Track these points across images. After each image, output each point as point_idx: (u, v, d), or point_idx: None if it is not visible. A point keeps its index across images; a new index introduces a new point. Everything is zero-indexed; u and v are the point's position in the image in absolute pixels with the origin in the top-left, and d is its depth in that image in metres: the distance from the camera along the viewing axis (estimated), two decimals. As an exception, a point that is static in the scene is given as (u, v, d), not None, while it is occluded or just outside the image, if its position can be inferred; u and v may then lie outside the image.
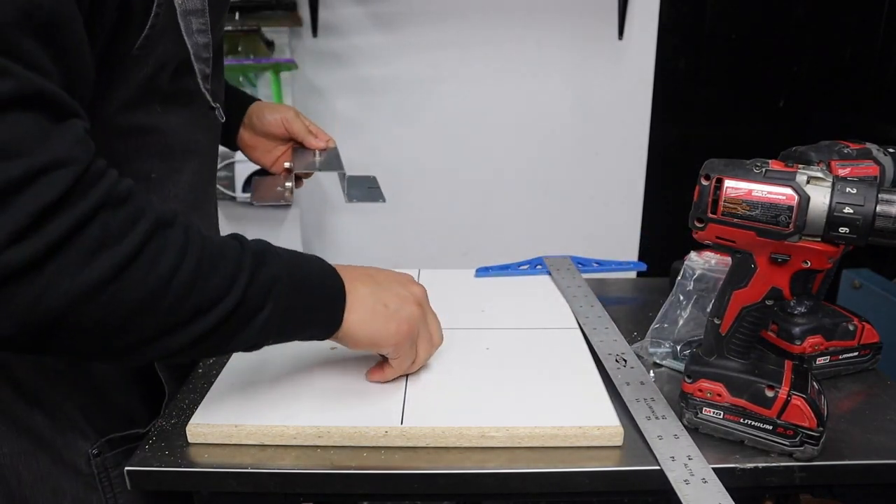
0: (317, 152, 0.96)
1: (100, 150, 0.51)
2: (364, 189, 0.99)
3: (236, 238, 0.58)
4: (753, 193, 0.57)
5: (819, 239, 0.57)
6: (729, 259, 0.64)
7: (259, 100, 0.99)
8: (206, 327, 0.53)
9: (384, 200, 0.94)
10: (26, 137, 0.44)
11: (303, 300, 0.60)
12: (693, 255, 0.84)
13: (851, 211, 0.54)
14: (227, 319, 0.54)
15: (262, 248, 0.59)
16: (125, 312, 0.49)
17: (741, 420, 0.63)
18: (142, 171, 0.66)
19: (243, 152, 0.99)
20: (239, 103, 0.96)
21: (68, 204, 0.44)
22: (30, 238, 0.43)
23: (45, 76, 0.46)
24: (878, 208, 0.54)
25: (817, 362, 0.75)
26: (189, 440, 0.63)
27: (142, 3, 0.57)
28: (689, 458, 0.60)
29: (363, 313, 0.64)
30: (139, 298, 0.49)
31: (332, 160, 0.96)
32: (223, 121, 0.73)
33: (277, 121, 0.95)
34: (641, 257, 2.15)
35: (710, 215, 0.60)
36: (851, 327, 0.76)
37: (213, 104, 0.69)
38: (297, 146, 0.97)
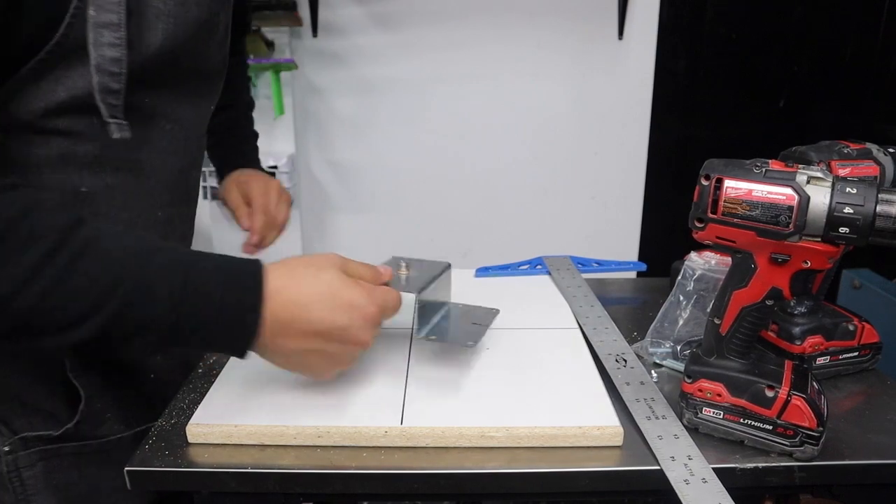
0: (403, 264, 0.76)
1: (15, 155, 0.50)
2: (460, 324, 0.76)
3: (134, 256, 0.54)
4: (753, 193, 0.57)
5: (819, 239, 0.56)
6: (729, 259, 0.64)
7: (252, 168, 0.99)
8: (55, 345, 0.53)
9: (473, 344, 0.71)
10: None
11: (193, 340, 0.56)
12: (693, 255, 0.84)
13: (851, 211, 0.54)
14: (81, 345, 0.53)
15: (156, 276, 0.53)
16: None
17: (741, 420, 0.63)
18: (69, 183, 0.63)
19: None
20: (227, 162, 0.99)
21: None
22: None
23: None
24: (878, 208, 0.54)
25: (817, 362, 0.75)
26: (189, 440, 0.63)
27: (39, 19, 0.55)
28: (689, 458, 0.60)
29: (276, 360, 0.61)
30: None
31: (420, 277, 0.75)
32: (123, 136, 0.63)
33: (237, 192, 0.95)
34: (641, 257, 2.15)
35: (710, 215, 0.60)
36: (851, 327, 0.76)
37: (107, 118, 0.62)
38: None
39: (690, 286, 0.81)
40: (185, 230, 0.80)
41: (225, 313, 0.55)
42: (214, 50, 0.74)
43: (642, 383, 0.71)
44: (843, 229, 0.55)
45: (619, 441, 0.63)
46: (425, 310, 0.73)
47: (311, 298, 0.59)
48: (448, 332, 0.74)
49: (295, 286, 0.59)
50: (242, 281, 0.57)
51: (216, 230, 2.02)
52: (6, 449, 0.67)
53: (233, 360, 0.74)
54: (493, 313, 0.80)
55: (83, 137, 0.63)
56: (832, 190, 0.55)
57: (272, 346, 0.59)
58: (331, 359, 0.62)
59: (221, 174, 1.00)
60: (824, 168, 0.64)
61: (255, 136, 1.05)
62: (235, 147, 1.02)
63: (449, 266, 0.82)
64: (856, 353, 0.77)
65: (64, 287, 0.50)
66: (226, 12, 0.74)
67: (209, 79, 0.76)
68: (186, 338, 0.55)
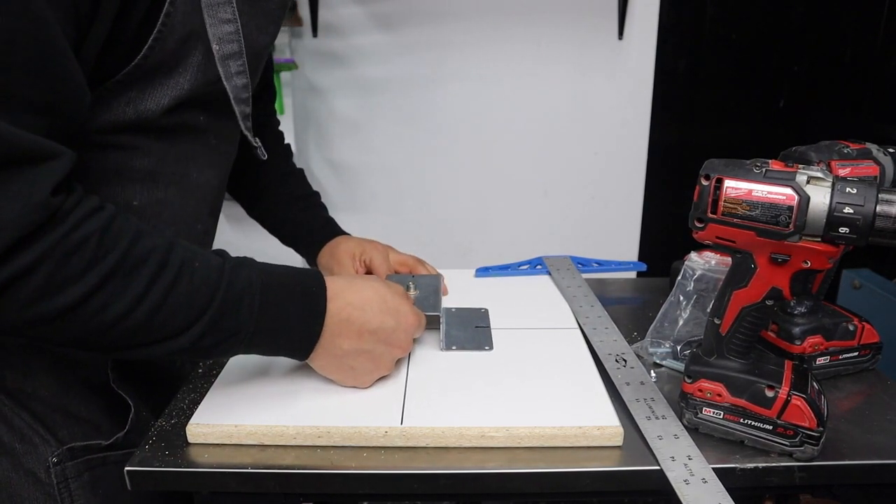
0: (411, 285, 0.87)
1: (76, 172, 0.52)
2: (468, 330, 0.82)
3: (220, 272, 0.58)
4: (753, 193, 0.57)
5: (819, 239, 0.57)
6: (729, 259, 0.64)
7: (339, 234, 0.97)
8: (151, 355, 0.57)
9: (491, 347, 0.78)
10: None
11: (266, 346, 0.63)
12: (693, 255, 0.84)
13: (851, 211, 0.54)
14: (174, 354, 0.57)
15: (239, 292, 0.59)
16: (65, 341, 0.53)
17: (741, 420, 0.63)
18: (121, 197, 0.65)
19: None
20: (311, 236, 0.97)
21: (7, 259, 0.48)
22: None
23: (14, 121, 0.47)
24: (878, 208, 0.54)
25: (817, 362, 0.75)
26: (189, 440, 0.63)
27: (131, 38, 0.57)
28: (689, 458, 0.60)
29: (328, 363, 0.67)
30: (78, 336, 0.53)
31: (428, 298, 0.86)
32: (265, 158, 0.72)
33: (356, 262, 0.92)
34: (641, 257, 2.15)
35: (710, 215, 0.60)
36: (851, 327, 0.76)
37: (254, 143, 0.69)
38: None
39: (690, 286, 0.81)
40: (212, 239, 0.82)
41: (296, 320, 0.62)
42: (261, 71, 0.77)
43: (642, 383, 0.71)
44: (843, 229, 0.55)
45: (619, 441, 0.63)
46: (441, 323, 0.82)
47: (365, 301, 0.66)
48: (464, 339, 0.80)
49: (351, 291, 0.66)
50: (310, 290, 0.63)
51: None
52: (54, 460, 0.67)
53: (233, 360, 0.74)
54: (485, 313, 0.87)
55: (139, 152, 0.64)
56: (832, 190, 0.55)
57: (330, 346, 0.65)
58: (376, 361, 0.68)
59: (303, 243, 0.98)
60: (824, 168, 0.64)
61: (319, 195, 1.02)
62: (312, 213, 0.99)
63: (441, 277, 0.93)
64: (856, 353, 0.77)
65: (167, 305, 0.55)
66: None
67: (250, 95, 0.78)
68: (262, 342, 0.62)
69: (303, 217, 0.97)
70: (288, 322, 0.62)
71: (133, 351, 0.56)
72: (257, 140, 0.70)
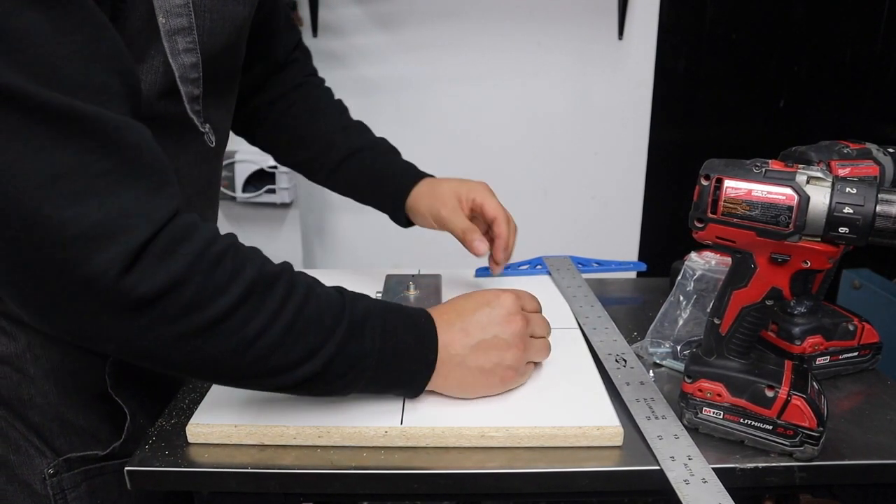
0: (411, 284, 0.86)
1: None
2: None
3: (342, 298, 0.59)
4: (753, 193, 0.57)
5: (819, 239, 0.57)
6: (729, 259, 0.64)
7: (424, 175, 0.91)
8: (284, 383, 0.56)
9: None
10: (123, 216, 0.47)
11: (387, 376, 0.62)
12: (693, 255, 0.84)
13: (851, 211, 0.54)
14: (305, 382, 0.57)
15: (362, 317, 0.59)
16: (208, 362, 0.53)
17: (741, 420, 0.63)
18: None
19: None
20: (398, 183, 0.90)
21: (161, 265, 0.48)
22: (126, 293, 0.47)
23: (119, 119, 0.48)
24: (878, 208, 0.54)
25: (817, 362, 0.75)
26: (189, 440, 0.63)
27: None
28: (689, 458, 0.60)
29: (454, 379, 0.65)
30: (221, 354, 0.52)
31: (428, 297, 0.84)
32: (213, 146, 0.69)
33: (462, 204, 0.88)
34: (641, 257, 2.15)
35: (710, 215, 0.60)
36: (851, 327, 0.76)
37: (202, 128, 0.66)
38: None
39: (690, 286, 0.81)
40: None
41: (413, 350, 0.62)
42: (244, 47, 0.74)
43: (642, 383, 0.71)
44: (842, 229, 0.55)
45: (618, 441, 0.63)
46: None
47: (469, 321, 0.65)
48: None
49: (455, 304, 0.67)
50: (420, 322, 0.63)
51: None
52: (50, 471, 0.66)
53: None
54: None
55: None
56: (832, 190, 0.55)
57: (447, 359, 0.63)
58: (501, 349, 0.65)
59: (386, 190, 0.91)
60: (824, 168, 0.64)
61: (386, 140, 0.95)
62: (387, 159, 0.92)
63: (440, 277, 0.93)
64: (856, 353, 0.77)
65: (300, 323, 0.55)
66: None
67: (236, 77, 0.75)
68: (381, 374, 0.61)
69: (379, 164, 0.90)
70: (407, 348, 0.62)
71: (269, 378, 0.56)
72: (206, 125, 0.67)
